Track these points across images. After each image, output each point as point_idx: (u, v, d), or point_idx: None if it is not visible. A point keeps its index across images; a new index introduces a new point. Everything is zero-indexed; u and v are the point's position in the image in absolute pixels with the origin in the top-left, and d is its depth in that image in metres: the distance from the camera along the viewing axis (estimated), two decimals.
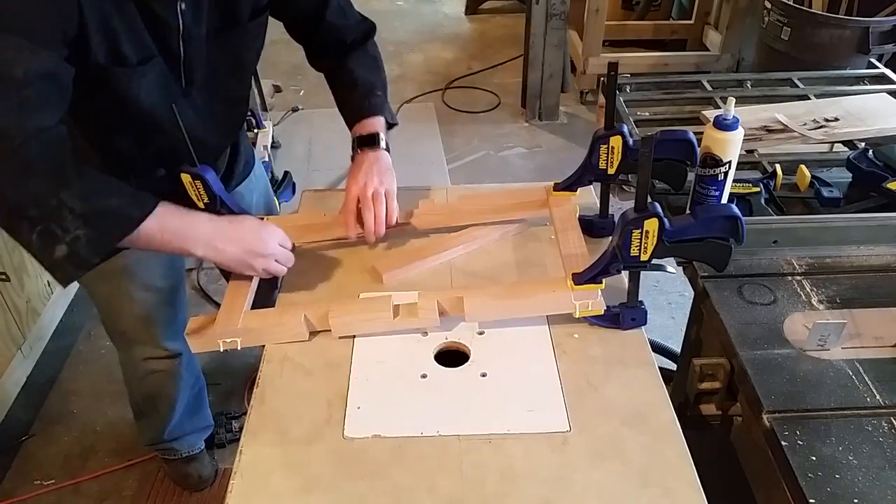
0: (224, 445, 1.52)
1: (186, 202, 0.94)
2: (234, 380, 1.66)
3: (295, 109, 2.80)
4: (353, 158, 0.97)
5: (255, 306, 0.85)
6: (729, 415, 0.89)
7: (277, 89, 2.94)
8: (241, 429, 0.76)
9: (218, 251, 0.80)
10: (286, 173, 2.23)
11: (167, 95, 0.83)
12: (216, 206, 0.93)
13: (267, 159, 2.11)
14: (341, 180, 2.41)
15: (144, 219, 0.73)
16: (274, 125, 2.44)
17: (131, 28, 0.75)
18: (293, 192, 2.18)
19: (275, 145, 2.49)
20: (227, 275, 0.96)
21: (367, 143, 0.96)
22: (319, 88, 3.38)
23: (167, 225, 0.75)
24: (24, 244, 0.70)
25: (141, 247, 0.76)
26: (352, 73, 1.01)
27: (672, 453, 0.69)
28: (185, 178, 0.91)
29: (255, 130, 2.24)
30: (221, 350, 0.81)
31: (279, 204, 2.08)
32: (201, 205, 0.94)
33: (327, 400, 0.75)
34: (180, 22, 0.79)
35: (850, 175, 1.05)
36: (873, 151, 1.02)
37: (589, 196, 1.02)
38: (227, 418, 1.55)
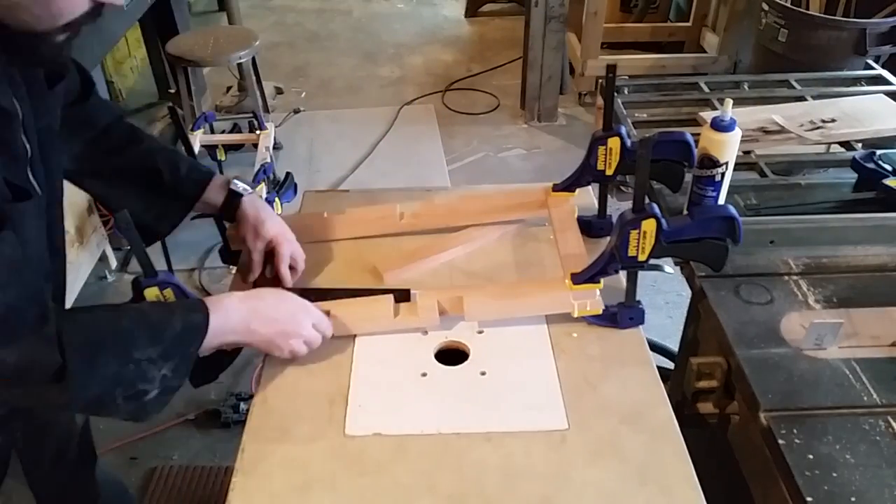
0: (230, 426, 1.52)
1: None
2: (245, 359, 1.66)
3: (296, 111, 2.82)
4: (232, 212, 0.88)
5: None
6: (726, 413, 0.89)
7: (279, 91, 2.96)
8: (247, 411, 0.76)
9: (251, 333, 0.73)
10: (288, 174, 2.24)
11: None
12: None
13: (269, 160, 2.12)
14: (343, 181, 2.42)
15: (209, 318, 0.68)
16: (276, 126, 2.45)
17: None
18: (294, 192, 2.19)
19: (277, 146, 2.50)
20: (229, 254, 0.93)
21: (235, 194, 0.88)
22: (321, 90, 3.41)
23: (223, 308, 0.70)
24: (113, 414, 0.65)
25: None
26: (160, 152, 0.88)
27: (670, 451, 0.69)
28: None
29: (258, 132, 2.25)
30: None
31: (281, 204, 2.09)
32: None
33: (328, 398, 0.76)
34: (17, 107, 0.63)
35: (847, 175, 1.06)
36: (880, 154, 1.03)
37: (587, 197, 1.03)
38: (237, 398, 1.55)
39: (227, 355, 0.81)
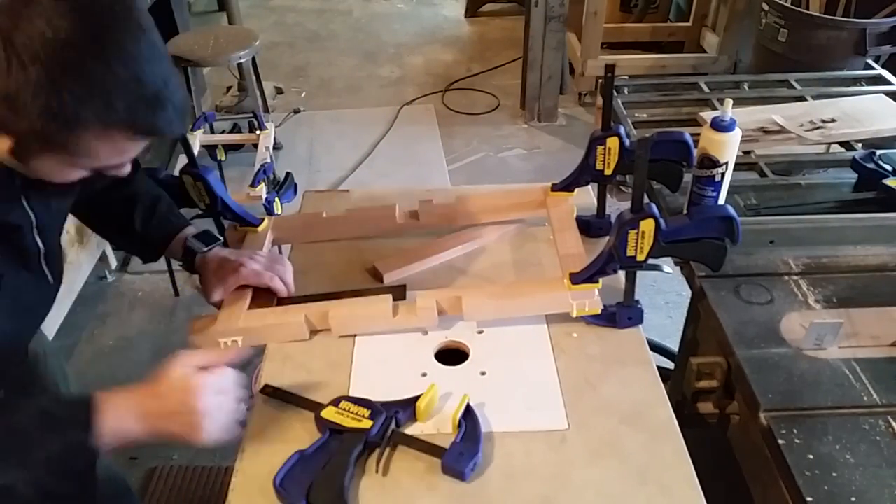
0: None
1: (187, 203, 0.94)
2: (244, 359, 1.65)
3: (296, 111, 2.82)
4: (191, 266, 0.87)
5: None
6: (726, 413, 0.89)
7: (279, 91, 2.96)
8: (248, 410, 0.76)
9: (159, 431, 0.64)
10: (288, 174, 2.24)
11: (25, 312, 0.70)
12: (217, 208, 0.94)
13: (269, 160, 2.12)
14: (343, 181, 2.42)
15: (97, 439, 0.61)
16: (276, 126, 2.45)
17: None
18: (294, 192, 2.19)
19: (277, 146, 2.50)
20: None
21: (189, 251, 0.87)
22: (321, 90, 3.41)
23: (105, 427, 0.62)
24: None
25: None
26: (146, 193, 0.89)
27: (670, 451, 0.69)
28: (187, 179, 0.91)
29: (258, 132, 2.25)
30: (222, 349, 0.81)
31: (281, 205, 2.09)
32: (203, 205, 0.95)
33: (328, 398, 0.75)
34: (32, 216, 0.67)
35: (847, 175, 1.06)
36: (880, 154, 1.03)
37: (586, 196, 1.03)
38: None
39: None
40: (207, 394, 0.66)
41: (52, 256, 0.73)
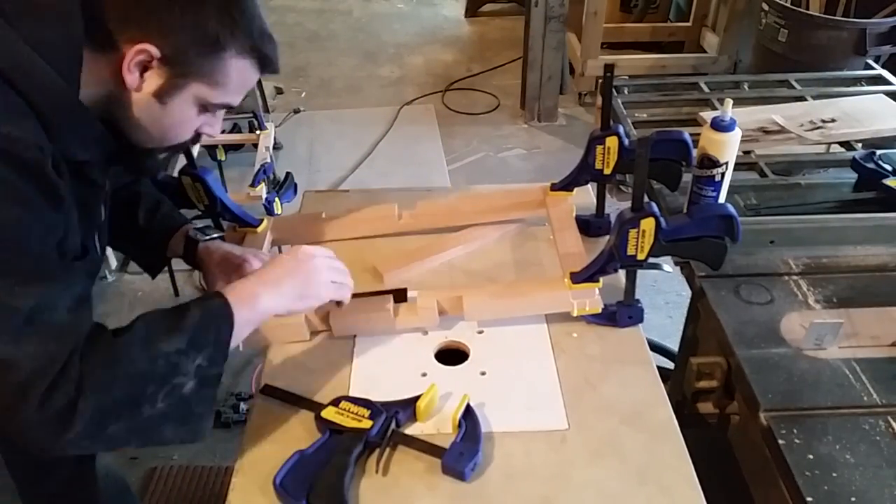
0: (230, 426, 1.52)
1: (187, 204, 0.94)
2: (245, 359, 1.65)
3: (296, 111, 2.81)
4: (192, 258, 0.88)
5: None
6: (726, 413, 0.89)
7: (279, 91, 2.95)
8: (248, 410, 0.76)
9: (281, 295, 0.70)
10: (288, 174, 2.24)
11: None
12: (216, 208, 0.94)
13: (269, 160, 2.12)
14: (343, 181, 2.42)
15: (228, 303, 0.65)
16: (276, 126, 2.45)
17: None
18: (294, 192, 2.19)
19: (276, 146, 2.50)
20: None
21: (191, 241, 0.88)
22: (321, 90, 3.41)
23: (240, 295, 0.67)
24: (160, 427, 0.62)
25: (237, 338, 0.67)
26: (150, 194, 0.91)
27: (670, 451, 0.69)
28: (186, 180, 0.91)
29: (257, 132, 2.25)
30: None
31: (281, 205, 2.09)
32: (202, 206, 0.95)
33: (329, 398, 0.75)
34: (106, 183, 0.73)
35: (847, 175, 1.05)
36: (880, 154, 1.03)
37: (586, 196, 1.03)
38: (237, 398, 1.55)
39: None
40: (316, 255, 0.74)
41: (104, 232, 0.77)
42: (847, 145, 1.17)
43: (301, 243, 0.97)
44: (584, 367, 0.78)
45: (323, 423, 0.70)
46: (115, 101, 0.63)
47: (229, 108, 0.69)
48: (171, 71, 0.62)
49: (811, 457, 0.68)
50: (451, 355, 0.82)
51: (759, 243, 0.95)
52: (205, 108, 0.67)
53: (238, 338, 0.67)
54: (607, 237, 0.81)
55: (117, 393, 0.59)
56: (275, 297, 0.69)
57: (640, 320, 0.83)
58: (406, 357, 0.81)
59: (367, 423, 0.69)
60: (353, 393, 0.76)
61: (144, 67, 0.62)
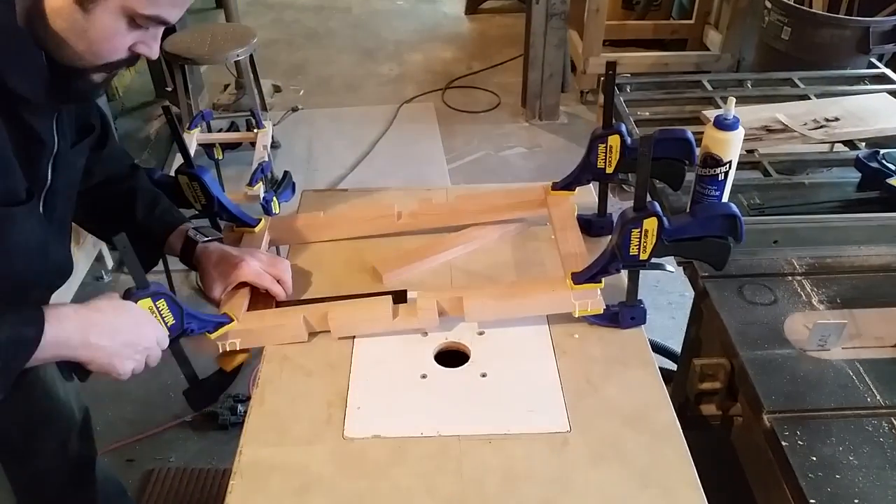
0: (227, 428, 1.52)
1: (184, 204, 0.94)
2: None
3: (295, 109, 2.80)
4: (189, 259, 0.86)
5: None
6: (729, 415, 0.89)
7: (277, 89, 2.94)
8: (245, 413, 0.75)
9: (90, 347, 0.66)
10: (286, 173, 2.22)
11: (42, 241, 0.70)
12: (213, 208, 0.93)
13: (267, 159, 2.11)
14: (342, 180, 2.41)
15: (42, 331, 0.62)
16: (274, 125, 2.44)
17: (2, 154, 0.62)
18: (293, 191, 2.18)
19: (275, 145, 2.49)
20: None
21: (190, 241, 0.87)
22: (319, 88, 3.40)
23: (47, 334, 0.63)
24: None
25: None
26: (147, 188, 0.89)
27: (672, 453, 0.69)
28: (183, 179, 0.90)
29: (255, 130, 2.24)
30: (221, 352, 0.80)
31: (279, 204, 2.08)
32: (199, 206, 0.94)
33: (327, 400, 0.75)
34: (55, 141, 0.69)
35: (851, 175, 1.05)
36: (884, 154, 1.02)
37: (588, 195, 1.02)
38: (235, 400, 1.54)
39: (228, 375, 0.81)
40: (155, 331, 0.71)
41: (52, 205, 0.72)
42: (851, 144, 1.16)
43: (299, 243, 0.96)
44: (585, 369, 0.78)
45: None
46: (34, 14, 0.59)
47: (165, 26, 0.64)
48: None
49: (814, 458, 0.68)
50: (452, 357, 0.81)
51: (762, 243, 0.94)
52: (134, 21, 0.61)
53: (36, 362, 0.65)
54: (609, 237, 0.80)
55: None
56: (94, 335, 0.66)
57: (643, 321, 0.82)
58: (405, 358, 0.80)
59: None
60: (352, 394, 0.75)
61: None
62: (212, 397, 0.82)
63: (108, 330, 0.67)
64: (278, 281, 0.86)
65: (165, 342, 0.73)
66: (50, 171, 0.70)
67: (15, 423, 0.91)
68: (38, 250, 0.71)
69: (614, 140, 0.87)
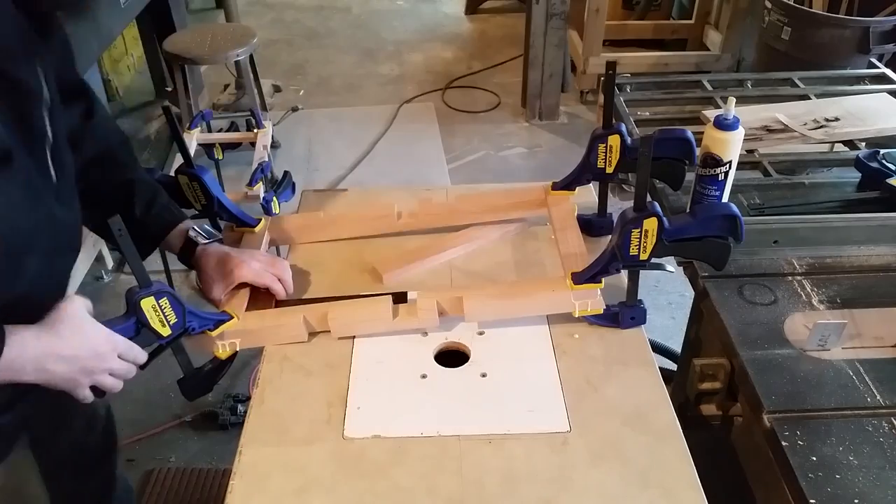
0: (227, 428, 1.52)
1: (183, 204, 0.93)
2: (242, 360, 1.65)
3: (295, 109, 2.80)
4: (188, 259, 0.85)
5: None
6: (729, 415, 0.89)
7: (277, 89, 2.94)
8: (245, 413, 0.75)
9: (46, 373, 0.65)
10: (286, 173, 2.22)
11: (35, 203, 0.64)
12: (213, 208, 0.93)
13: (267, 159, 2.10)
14: (342, 180, 2.41)
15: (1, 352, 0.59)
16: (274, 125, 2.44)
17: None
18: (293, 191, 2.18)
19: (274, 145, 2.49)
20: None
21: (191, 242, 0.86)
22: (319, 88, 3.40)
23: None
24: None
25: None
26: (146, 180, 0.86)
27: (672, 454, 0.69)
28: (183, 179, 0.90)
29: (255, 130, 2.24)
30: (220, 352, 0.80)
31: (279, 204, 2.08)
32: (199, 206, 0.94)
33: (327, 400, 0.75)
34: (44, 88, 0.63)
35: (851, 175, 1.05)
36: (884, 153, 1.02)
37: (588, 195, 1.02)
38: (235, 400, 1.54)
39: (222, 364, 0.80)
40: (118, 350, 0.70)
41: (61, 161, 0.68)
42: (851, 144, 1.16)
43: (299, 243, 0.96)
44: (585, 369, 0.78)
45: (134, 310, 0.70)
46: None
47: None
48: None
49: (814, 459, 0.68)
50: (452, 357, 0.81)
51: (762, 243, 0.94)
52: None
53: None
54: (609, 237, 0.80)
55: None
56: (50, 363, 0.64)
57: (643, 321, 0.82)
58: (405, 358, 0.80)
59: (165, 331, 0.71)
60: (352, 394, 0.75)
61: None
62: (207, 387, 0.81)
63: (67, 356, 0.66)
64: (279, 280, 0.86)
65: (139, 356, 0.72)
66: (49, 124, 0.65)
67: (45, 406, 0.90)
68: (23, 207, 0.62)
69: (614, 140, 0.87)
